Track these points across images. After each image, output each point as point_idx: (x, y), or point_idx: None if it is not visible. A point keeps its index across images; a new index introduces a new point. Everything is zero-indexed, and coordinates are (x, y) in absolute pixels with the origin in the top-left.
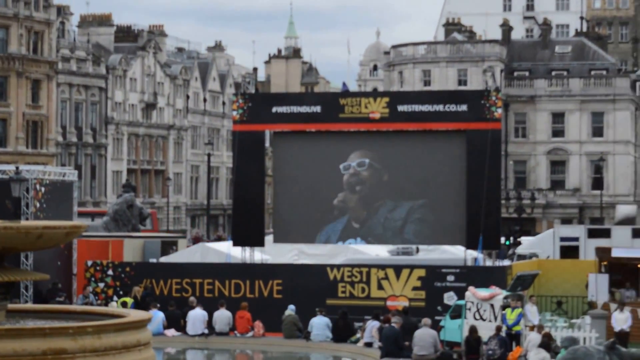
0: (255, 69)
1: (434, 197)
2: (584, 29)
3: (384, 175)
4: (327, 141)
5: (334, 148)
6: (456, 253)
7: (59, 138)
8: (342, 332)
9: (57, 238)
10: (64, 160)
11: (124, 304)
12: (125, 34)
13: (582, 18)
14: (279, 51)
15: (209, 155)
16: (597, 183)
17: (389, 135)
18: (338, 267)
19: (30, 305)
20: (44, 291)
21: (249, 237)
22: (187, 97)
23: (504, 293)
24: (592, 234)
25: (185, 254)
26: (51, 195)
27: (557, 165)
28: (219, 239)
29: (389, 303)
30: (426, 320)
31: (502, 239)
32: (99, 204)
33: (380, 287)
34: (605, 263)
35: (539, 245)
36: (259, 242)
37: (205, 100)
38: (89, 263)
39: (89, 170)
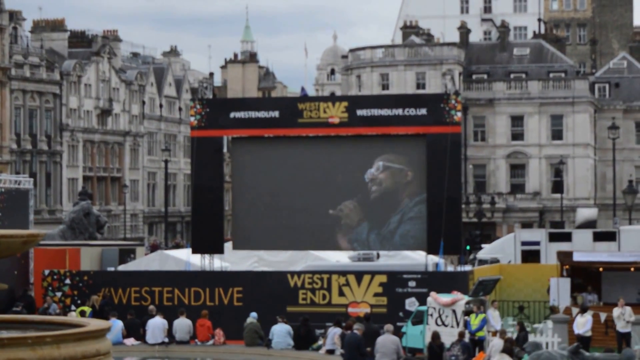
0: (211, 74)
1: (394, 201)
2: (542, 31)
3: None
4: (285, 146)
5: (292, 153)
6: (417, 259)
7: (13, 145)
8: (304, 339)
9: (13, 247)
10: (18, 168)
11: (83, 313)
12: (79, 40)
13: (540, 20)
14: (235, 56)
15: (166, 161)
16: (557, 186)
17: (347, 140)
18: (298, 273)
19: None
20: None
21: (208, 244)
22: (143, 102)
23: (466, 298)
24: (553, 238)
25: (144, 262)
26: (6, 204)
27: (517, 169)
28: (177, 246)
29: (350, 310)
30: (388, 327)
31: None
32: (55, 212)
33: (341, 293)
34: (566, 267)
35: (500, 250)
36: (219, 249)
37: (161, 106)
38: (46, 272)
39: (44, 178)
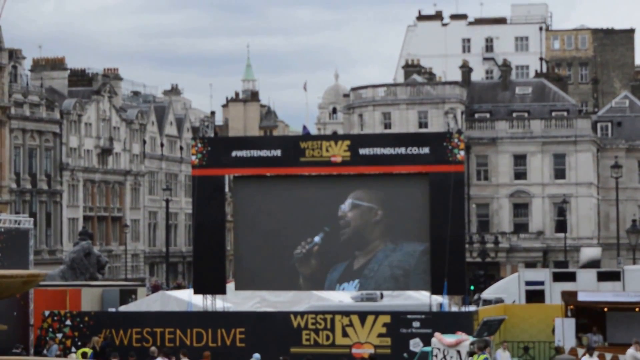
0: (212, 113)
1: (397, 242)
2: (544, 70)
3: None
4: (288, 185)
5: (295, 192)
6: (421, 299)
7: (12, 185)
8: None
9: (13, 287)
10: (18, 208)
11: (84, 355)
12: (80, 78)
13: (541, 59)
14: (237, 94)
15: (167, 201)
16: (561, 226)
17: (351, 180)
18: (302, 314)
19: None
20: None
21: (210, 284)
22: (144, 141)
23: (471, 339)
24: (557, 277)
25: (145, 302)
26: (6, 244)
27: (520, 208)
28: (179, 286)
29: (354, 350)
30: None
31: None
32: (55, 252)
33: (345, 334)
34: (571, 307)
35: (504, 290)
36: (221, 290)
37: (162, 145)
38: (47, 313)
39: (44, 217)
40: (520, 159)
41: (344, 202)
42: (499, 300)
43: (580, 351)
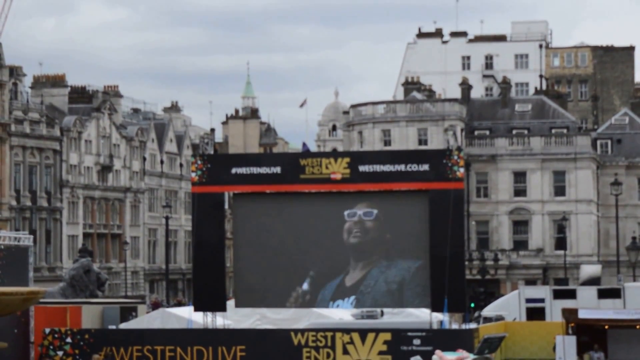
0: (212, 130)
1: (393, 259)
2: (544, 87)
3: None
4: (287, 202)
5: (294, 209)
6: (421, 316)
7: (12, 202)
8: None
9: (14, 305)
10: (18, 225)
11: None
12: (80, 95)
13: (541, 76)
14: (237, 111)
15: (167, 218)
16: (560, 243)
17: (351, 197)
18: (302, 331)
19: None
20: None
21: (211, 301)
22: (144, 158)
23: (471, 356)
24: (557, 295)
25: (146, 320)
26: (6, 261)
27: (520, 225)
28: (179, 304)
29: None
30: None
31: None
32: (55, 269)
33: (345, 351)
34: (572, 325)
35: (505, 307)
36: (221, 307)
37: (162, 162)
38: (47, 330)
39: (43, 234)
40: (520, 176)
41: (343, 219)
42: (500, 318)
43: None
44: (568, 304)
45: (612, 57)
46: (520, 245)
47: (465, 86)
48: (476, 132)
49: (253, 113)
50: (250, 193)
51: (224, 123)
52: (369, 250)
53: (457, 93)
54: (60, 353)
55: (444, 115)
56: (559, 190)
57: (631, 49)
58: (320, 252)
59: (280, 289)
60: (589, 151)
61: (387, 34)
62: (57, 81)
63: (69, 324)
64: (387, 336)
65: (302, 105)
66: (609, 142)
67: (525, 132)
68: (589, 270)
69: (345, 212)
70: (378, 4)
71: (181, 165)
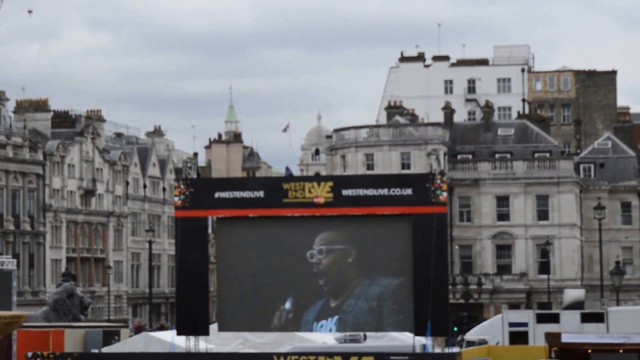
0: (195, 154)
1: (374, 277)
2: (526, 111)
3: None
4: (271, 226)
5: (277, 233)
6: (404, 340)
7: None
8: None
9: None
10: (1, 249)
11: None
12: (63, 120)
13: (524, 100)
14: (220, 136)
15: (150, 242)
16: (544, 267)
17: (333, 220)
18: (285, 355)
19: None
20: None
21: (193, 325)
22: (127, 183)
23: None
24: (540, 319)
25: (128, 344)
26: None
27: (503, 250)
28: (162, 328)
29: None
30: None
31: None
32: (38, 293)
33: None
34: (555, 349)
35: (488, 331)
36: (204, 331)
37: (145, 186)
38: (29, 354)
39: (27, 259)
40: (502, 201)
41: (320, 245)
42: (483, 342)
43: None
44: (551, 328)
45: (594, 81)
46: (503, 269)
47: (448, 110)
48: (459, 156)
49: (236, 137)
50: (233, 217)
51: (207, 147)
52: (351, 273)
53: (439, 117)
54: None
55: (427, 140)
56: (542, 215)
57: (613, 73)
58: (303, 276)
59: (263, 313)
60: (572, 175)
61: (369, 59)
62: (40, 106)
63: (52, 348)
64: (370, 359)
65: (284, 130)
66: (592, 166)
67: (508, 156)
68: (573, 294)
69: (325, 236)
70: (360, 28)
71: (164, 189)
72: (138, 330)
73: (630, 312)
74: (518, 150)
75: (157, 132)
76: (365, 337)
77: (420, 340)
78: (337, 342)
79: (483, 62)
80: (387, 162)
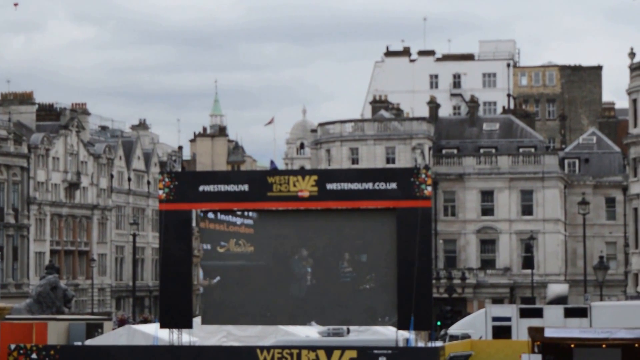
0: (180, 148)
1: (365, 277)
2: (511, 106)
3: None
4: (255, 220)
5: (261, 227)
6: (387, 334)
7: None
8: None
9: None
10: None
11: None
12: (48, 113)
13: (509, 95)
14: (204, 129)
15: (134, 235)
16: (528, 262)
17: (317, 214)
18: (268, 348)
19: None
20: None
21: (177, 318)
22: (111, 176)
23: None
24: (524, 313)
25: (112, 336)
26: None
27: (487, 244)
28: (145, 320)
29: None
30: None
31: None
32: (22, 285)
33: None
34: (538, 343)
35: (471, 326)
36: (187, 324)
37: (129, 179)
38: (12, 347)
39: (10, 251)
40: (487, 195)
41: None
42: (466, 336)
43: None
44: (534, 322)
45: (580, 76)
46: (487, 264)
47: (433, 105)
48: (444, 151)
49: (221, 131)
50: (217, 210)
51: (191, 141)
52: (335, 265)
53: (424, 112)
54: None
55: (412, 134)
56: (527, 210)
57: (599, 68)
58: (287, 269)
59: (248, 306)
60: (557, 170)
61: (355, 53)
62: (24, 99)
63: (35, 340)
64: (353, 354)
65: (268, 124)
66: (577, 161)
67: (493, 151)
68: (556, 289)
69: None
70: (346, 22)
71: (149, 182)
72: (121, 323)
73: (613, 307)
74: (503, 145)
75: (142, 126)
76: (348, 331)
77: (404, 334)
78: (321, 336)
79: (468, 57)
80: (372, 157)
